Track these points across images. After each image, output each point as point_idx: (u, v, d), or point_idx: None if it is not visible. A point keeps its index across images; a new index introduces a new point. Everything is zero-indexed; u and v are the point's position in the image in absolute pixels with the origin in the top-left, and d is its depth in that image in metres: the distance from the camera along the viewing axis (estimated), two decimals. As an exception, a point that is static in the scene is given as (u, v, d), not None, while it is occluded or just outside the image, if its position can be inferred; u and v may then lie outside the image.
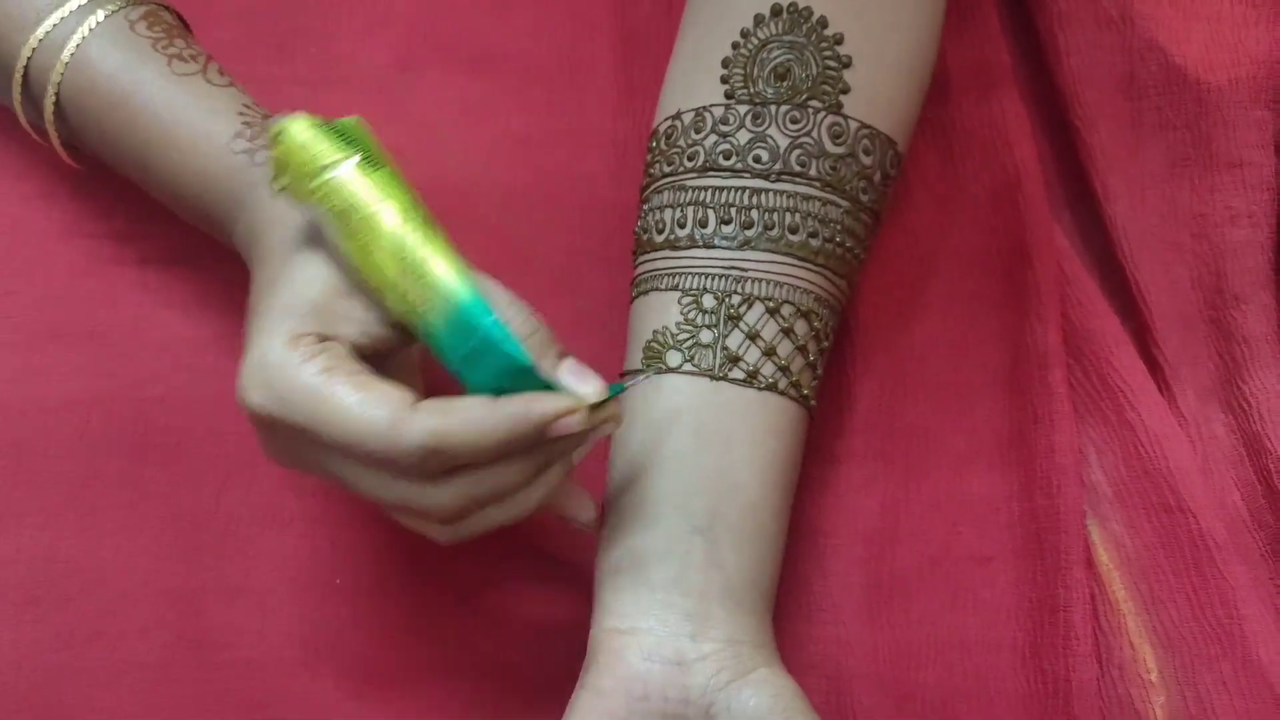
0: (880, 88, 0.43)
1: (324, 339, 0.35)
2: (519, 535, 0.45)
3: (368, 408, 0.33)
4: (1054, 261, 0.48)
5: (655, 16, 0.53)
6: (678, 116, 0.43)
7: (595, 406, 0.36)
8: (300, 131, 0.35)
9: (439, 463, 0.34)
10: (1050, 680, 0.43)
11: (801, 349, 0.42)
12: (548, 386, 0.36)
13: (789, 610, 0.45)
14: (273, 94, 0.51)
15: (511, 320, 0.35)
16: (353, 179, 0.35)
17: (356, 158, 0.35)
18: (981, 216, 0.50)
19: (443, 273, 0.35)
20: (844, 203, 0.42)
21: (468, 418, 0.34)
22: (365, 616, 0.45)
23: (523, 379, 0.35)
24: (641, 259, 0.43)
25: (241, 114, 0.41)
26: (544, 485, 0.37)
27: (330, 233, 0.36)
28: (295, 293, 0.36)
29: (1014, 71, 0.52)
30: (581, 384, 0.36)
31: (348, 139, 0.36)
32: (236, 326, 0.46)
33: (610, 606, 0.40)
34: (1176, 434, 0.46)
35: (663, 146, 0.43)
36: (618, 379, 0.42)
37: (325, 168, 0.35)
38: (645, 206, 0.44)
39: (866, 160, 0.42)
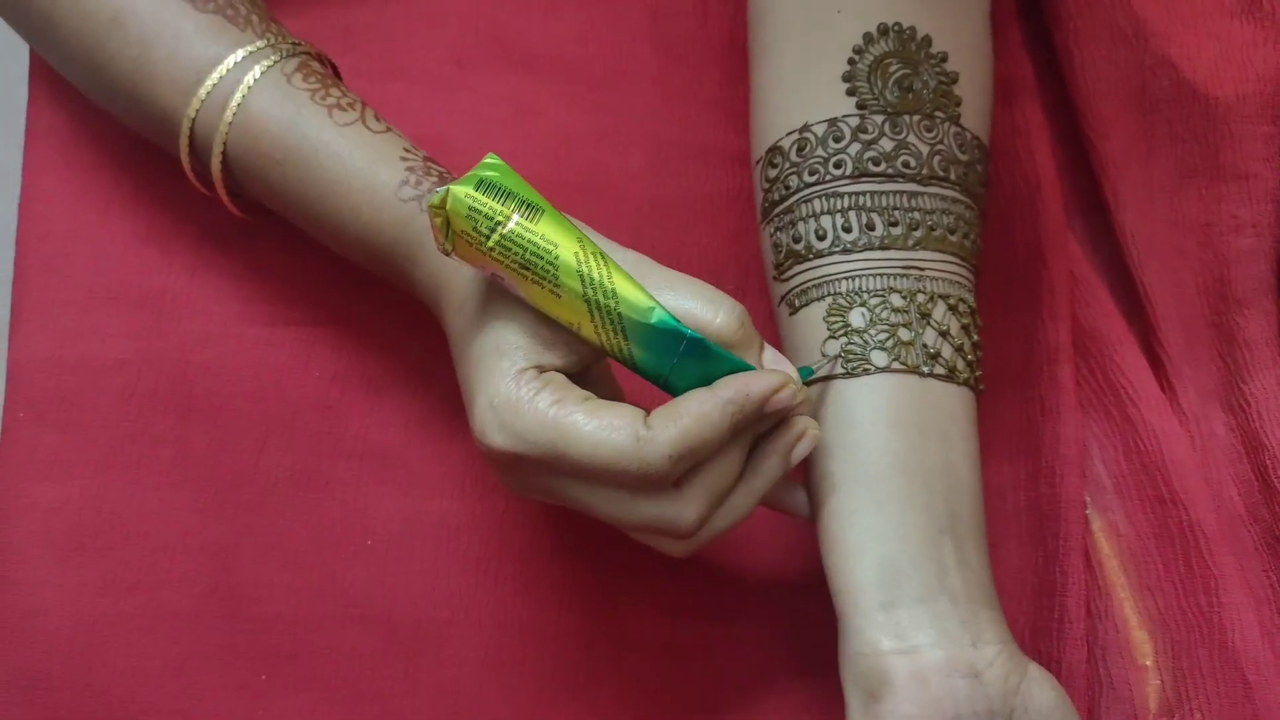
0: (978, 100, 0.45)
1: (542, 369, 0.36)
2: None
3: (609, 432, 0.35)
4: (1066, 263, 0.50)
5: (692, 30, 0.56)
6: (806, 129, 0.44)
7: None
8: (459, 202, 0.35)
9: (685, 465, 0.35)
10: (1045, 663, 0.44)
11: (975, 344, 0.43)
12: (734, 368, 0.37)
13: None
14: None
15: (716, 326, 0.36)
16: (521, 235, 0.35)
17: (516, 215, 0.36)
18: (1002, 219, 0.51)
19: (631, 298, 0.36)
20: (975, 206, 0.44)
21: (700, 413, 0.35)
22: (392, 577, 0.46)
23: (721, 368, 0.37)
24: (797, 269, 0.43)
25: (404, 158, 0.42)
26: (765, 478, 0.38)
27: (511, 285, 0.36)
28: (500, 334, 0.37)
29: (1035, 83, 0.53)
30: (784, 366, 0.38)
31: (501, 190, 0.36)
32: (283, 299, 0.49)
33: (881, 625, 0.38)
34: (1175, 430, 0.47)
35: (794, 159, 0.44)
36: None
37: (492, 230, 0.35)
38: (789, 218, 0.44)
39: (980, 169, 0.45)
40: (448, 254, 0.37)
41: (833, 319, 0.42)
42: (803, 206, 0.44)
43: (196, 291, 0.49)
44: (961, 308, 0.43)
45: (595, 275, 0.36)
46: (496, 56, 0.54)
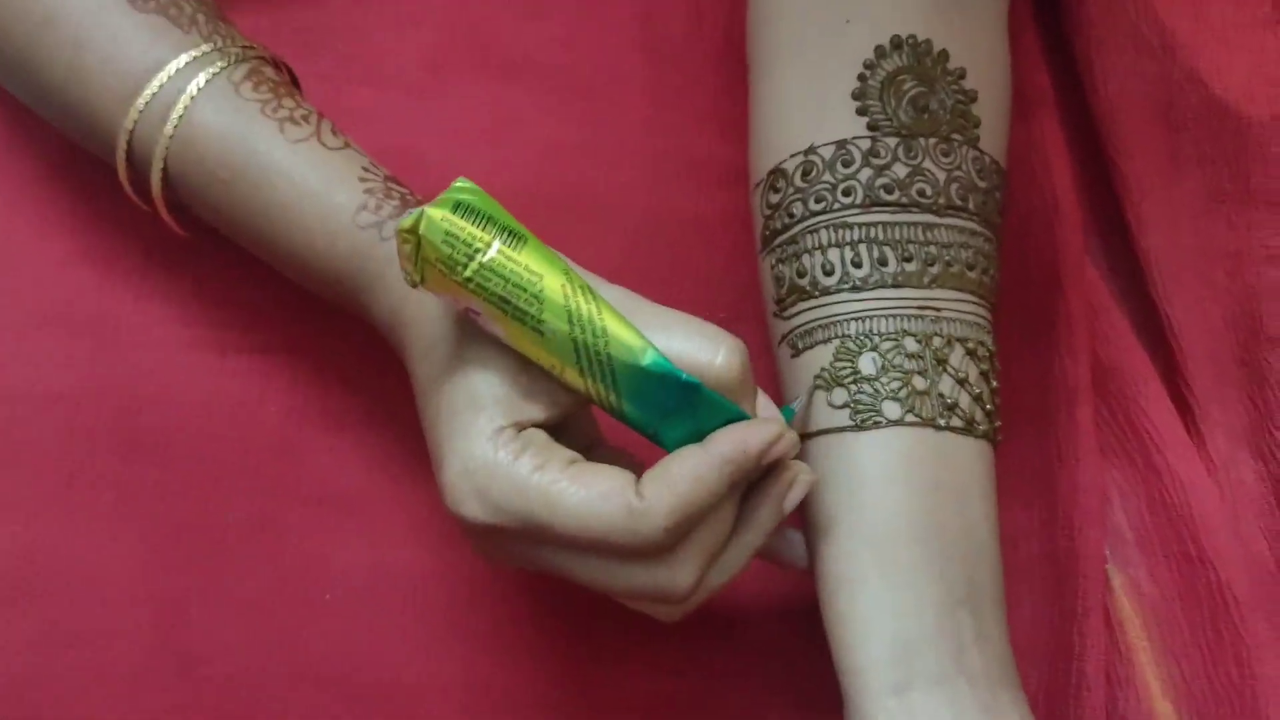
0: (997, 121, 0.42)
1: (521, 427, 0.33)
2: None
3: (600, 502, 0.32)
4: (1085, 292, 0.47)
5: (686, 34, 0.53)
6: (812, 151, 0.41)
7: None
8: (435, 226, 0.32)
9: (681, 533, 0.33)
10: None
11: (994, 391, 0.40)
12: (729, 417, 0.34)
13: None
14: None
15: (715, 370, 0.34)
16: (503, 265, 0.32)
17: (497, 242, 0.33)
18: (1016, 243, 0.49)
19: (622, 337, 0.33)
20: (994, 238, 0.41)
21: (696, 475, 0.33)
22: (353, 635, 0.43)
23: (716, 417, 0.34)
24: (801, 306, 0.40)
25: (363, 179, 0.39)
26: (760, 530, 0.35)
27: (487, 321, 0.33)
28: (475, 385, 0.34)
29: (1053, 96, 0.51)
30: (774, 412, 0.36)
31: (480, 215, 0.33)
32: (236, 325, 0.46)
33: (893, 711, 0.36)
34: (1204, 481, 0.44)
35: (799, 184, 0.41)
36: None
37: (470, 258, 0.32)
38: (793, 249, 0.41)
39: (998, 196, 0.42)
40: (415, 285, 0.34)
41: (840, 365, 0.39)
42: (808, 237, 0.40)
43: (141, 316, 0.46)
44: (980, 352, 0.40)
45: (583, 312, 0.33)
46: (475, 61, 0.51)
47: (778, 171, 0.42)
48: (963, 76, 0.41)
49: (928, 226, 0.40)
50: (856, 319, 0.39)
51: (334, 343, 0.46)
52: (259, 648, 0.43)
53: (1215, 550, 0.43)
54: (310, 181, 0.38)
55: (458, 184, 0.34)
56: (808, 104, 0.42)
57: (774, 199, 0.42)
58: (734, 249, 0.49)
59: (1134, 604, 0.44)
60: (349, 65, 0.50)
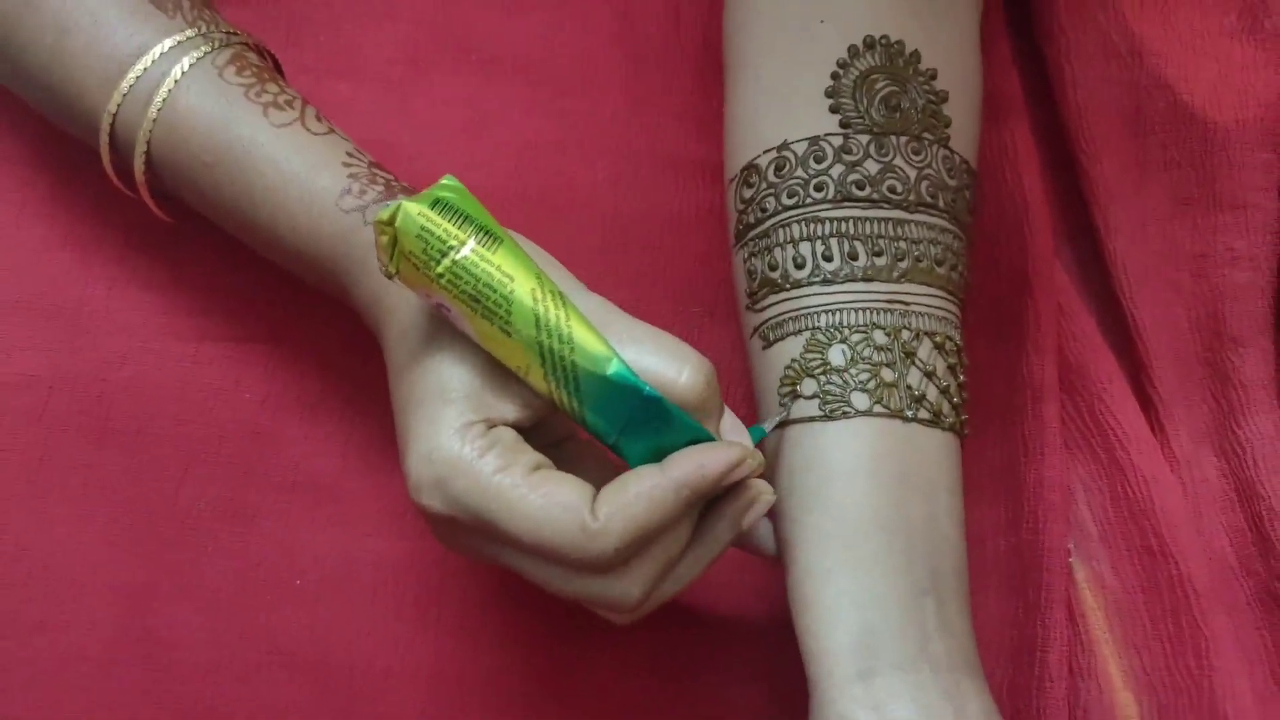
0: (967, 121, 0.43)
1: (490, 424, 0.34)
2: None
3: (555, 512, 0.32)
4: (1054, 293, 0.48)
5: (664, 33, 0.53)
6: (785, 147, 0.41)
7: None
8: (411, 220, 0.33)
9: (633, 552, 0.33)
10: None
11: (961, 385, 0.40)
12: (692, 436, 0.34)
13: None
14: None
15: (680, 387, 0.34)
16: (475, 264, 0.33)
17: (472, 240, 0.33)
18: (986, 244, 0.49)
19: (588, 345, 0.33)
20: (963, 235, 0.42)
21: (651, 498, 0.33)
22: (324, 622, 0.43)
23: (678, 434, 0.34)
24: (773, 299, 0.41)
25: (347, 164, 0.39)
26: (715, 545, 0.36)
27: (458, 318, 0.34)
28: (447, 376, 0.34)
29: (1024, 101, 0.51)
30: (741, 436, 0.36)
31: (458, 213, 0.33)
32: (211, 312, 0.46)
33: (858, 697, 0.36)
34: (1166, 477, 0.45)
35: (772, 179, 0.41)
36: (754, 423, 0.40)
37: (444, 254, 0.33)
38: (765, 243, 0.41)
39: (968, 195, 0.42)
40: (391, 277, 0.34)
41: (810, 356, 0.39)
42: (780, 231, 0.41)
43: (117, 303, 0.46)
44: (948, 346, 0.40)
45: (551, 318, 0.33)
46: (453, 56, 0.51)
47: (751, 167, 0.42)
48: (934, 77, 0.41)
49: (898, 222, 0.40)
50: (827, 311, 0.40)
51: (310, 334, 0.46)
52: (228, 633, 0.42)
53: (1177, 544, 0.43)
54: (294, 165, 0.38)
55: (443, 181, 0.34)
56: (781, 101, 0.42)
57: (747, 194, 0.42)
58: (709, 246, 0.50)
59: (1097, 596, 0.44)
60: (328, 58, 0.50)
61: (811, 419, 0.39)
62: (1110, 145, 0.50)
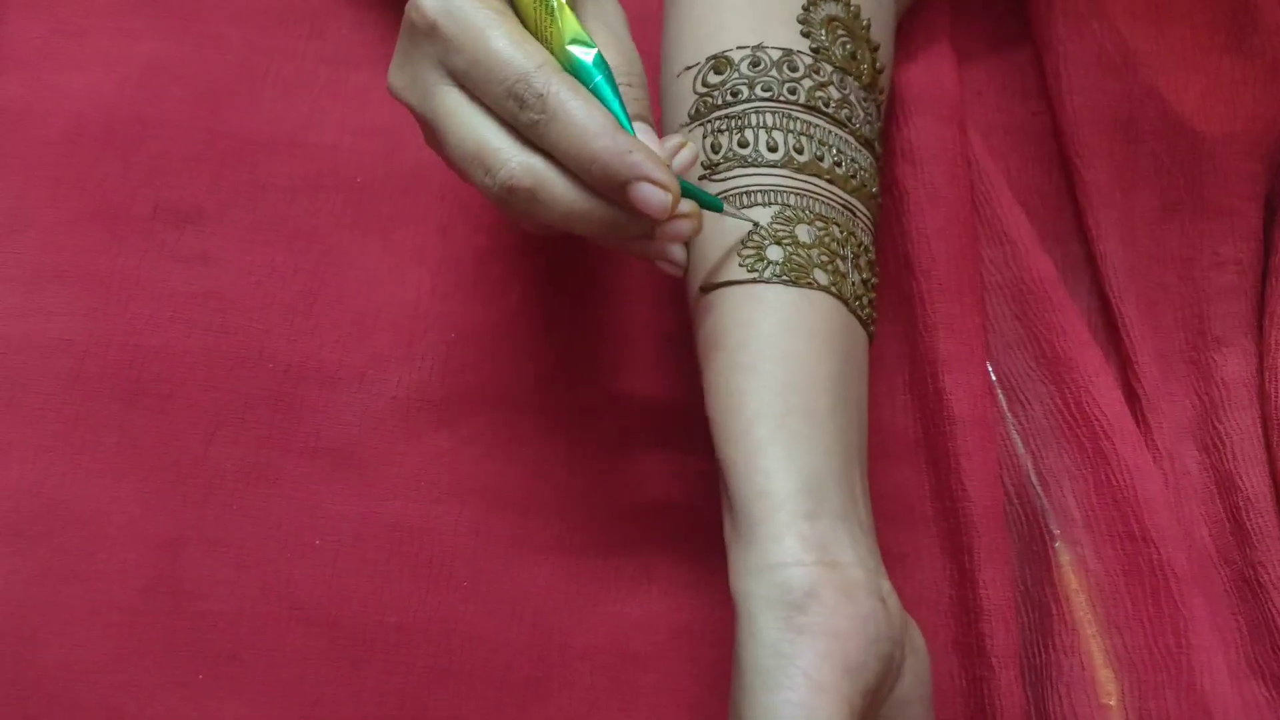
0: (888, 68, 0.47)
1: None
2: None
3: (521, 44, 0.35)
4: (973, 267, 0.50)
5: None
6: (761, 49, 0.43)
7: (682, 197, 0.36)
8: None
9: (545, 108, 0.35)
10: (975, 681, 0.44)
11: (874, 301, 0.43)
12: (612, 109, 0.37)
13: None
14: (299, 70, 0.52)
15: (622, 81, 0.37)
16: None
17: None
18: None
19: (565, 25, 0.36)
20: (876, 176, 0.45)
21: (589, 107, 0.35)
22: (340, 579, 0.45)
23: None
24: (741, 172, 0.42)
25: None
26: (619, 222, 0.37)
27: None
28: None
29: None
30: (671, 157, 0.38)
31: None
32: (237, 286, 0.48)
33: (806, 535, 0.36)
34: (1149, 466, 0.46)
35: (746, 71, 0.43)
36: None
37: None
38: (737, 123, 0.43)
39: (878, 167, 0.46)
40: None
41: (779, 227, 0.41)
42: (754, 115, 0.43)
43: (148, 272, 0.48)
44: (873, 260, 0.43)
45: None
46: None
47: (723, 58, 0.44)
48: (877, 50, 0.45)
49: (855, 147, 0.43)
50: (796, 194, 0.42)
51: (329, 305, 0.48)
52: (250, 588, 0.44)
53: (1158, 530, 0.45)
54: None
55: None
56: (757, 10, 0.44)
57: (714, 79, 0.44)
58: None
59: (1080, 579, 0.46)
60: (350, 49, 0.52)
61: (779, 280, 0.40)
62: (1103, 150, 0.52)
